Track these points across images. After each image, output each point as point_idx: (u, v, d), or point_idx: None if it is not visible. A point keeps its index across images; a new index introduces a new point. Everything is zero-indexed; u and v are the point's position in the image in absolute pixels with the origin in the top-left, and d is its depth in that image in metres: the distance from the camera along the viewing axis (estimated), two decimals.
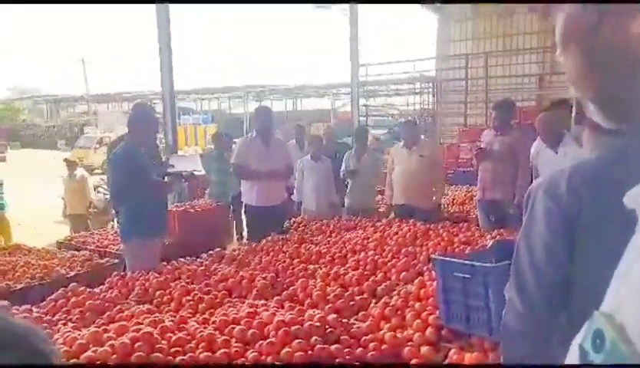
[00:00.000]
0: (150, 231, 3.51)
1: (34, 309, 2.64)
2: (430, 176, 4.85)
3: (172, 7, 6.91)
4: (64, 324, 2.45)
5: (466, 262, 2.05)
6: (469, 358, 2.01)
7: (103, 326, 2.25)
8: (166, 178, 3.98)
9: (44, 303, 2.74)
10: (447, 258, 2.16)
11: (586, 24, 0.41)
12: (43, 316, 2.54)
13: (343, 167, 5.51)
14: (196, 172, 5.10)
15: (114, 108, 32.31)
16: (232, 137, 7.13)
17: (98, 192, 8.11)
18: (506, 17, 10.81)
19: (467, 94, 11.03)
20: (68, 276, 3.56)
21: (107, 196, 6.76)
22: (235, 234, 6.79)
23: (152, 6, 6.47)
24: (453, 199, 6.55)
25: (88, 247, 4.58)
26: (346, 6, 10.63)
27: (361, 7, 10.32)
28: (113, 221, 6.84)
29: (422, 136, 5.89)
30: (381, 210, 5.73)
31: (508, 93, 9.10)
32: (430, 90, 12.25)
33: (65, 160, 7.43)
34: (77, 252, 4.21)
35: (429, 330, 2.20)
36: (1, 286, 3.33)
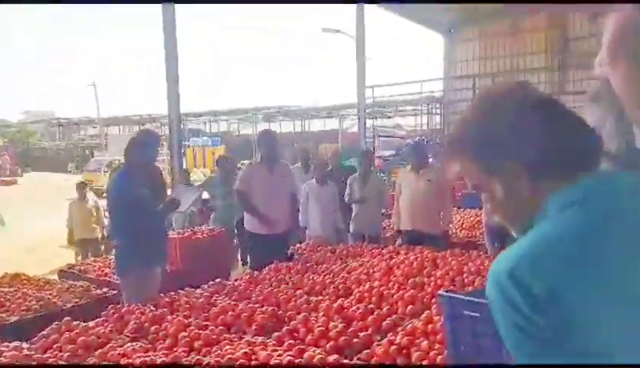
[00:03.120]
0: (149, 261, 3.40)
1: (25, 345, 2.55)
2: (438, 201, 4.71)
3: (183, 29, 6.92)
4: (55, 362, 2.35)
5: (474, 299, 1.91)
6: None
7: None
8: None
9: (35, 339, 2.65)
10: (455, 295, 2.03)
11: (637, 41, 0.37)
12: (32, 353, 2.44)
13: (348, 191, 5.40)
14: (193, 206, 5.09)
15: (125, 131, 32.67)
16: (235, 161, 7.11)
17: (106, 216, 8.14)
18: (513, 36, 10.77)
19: None
20: (64, 308, 3.47)
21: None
22: (240, 259, 6.69)
23: (160, 27, 6.48)
24: (462, 223, 6.40)
25: (89, 275, 4.51)
26: (353, 29, 10.69)
27: (369, 29, 10.34)
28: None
29: (430, 160, 5.77)
30: (387, 235, 5.60)
31: None
32: (438, 110, 12.18)
33: (77, 184, 7.45)
34: (75, 282, 4.12)
35: None
36: None
